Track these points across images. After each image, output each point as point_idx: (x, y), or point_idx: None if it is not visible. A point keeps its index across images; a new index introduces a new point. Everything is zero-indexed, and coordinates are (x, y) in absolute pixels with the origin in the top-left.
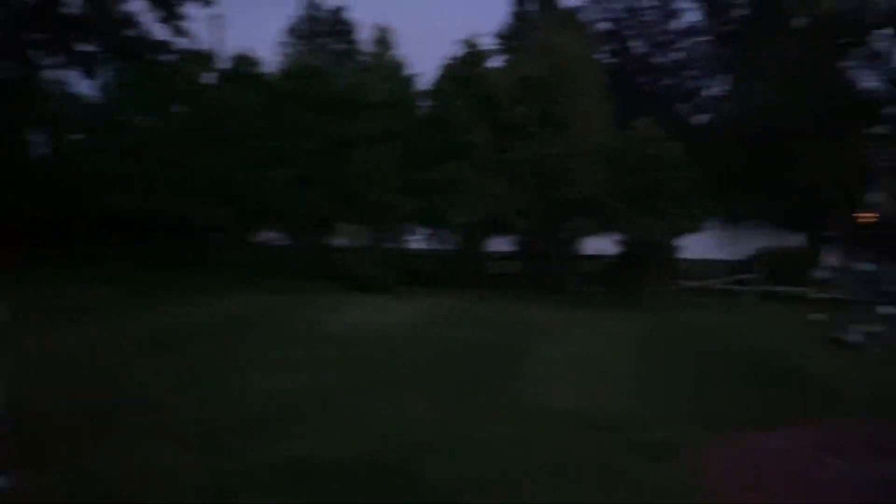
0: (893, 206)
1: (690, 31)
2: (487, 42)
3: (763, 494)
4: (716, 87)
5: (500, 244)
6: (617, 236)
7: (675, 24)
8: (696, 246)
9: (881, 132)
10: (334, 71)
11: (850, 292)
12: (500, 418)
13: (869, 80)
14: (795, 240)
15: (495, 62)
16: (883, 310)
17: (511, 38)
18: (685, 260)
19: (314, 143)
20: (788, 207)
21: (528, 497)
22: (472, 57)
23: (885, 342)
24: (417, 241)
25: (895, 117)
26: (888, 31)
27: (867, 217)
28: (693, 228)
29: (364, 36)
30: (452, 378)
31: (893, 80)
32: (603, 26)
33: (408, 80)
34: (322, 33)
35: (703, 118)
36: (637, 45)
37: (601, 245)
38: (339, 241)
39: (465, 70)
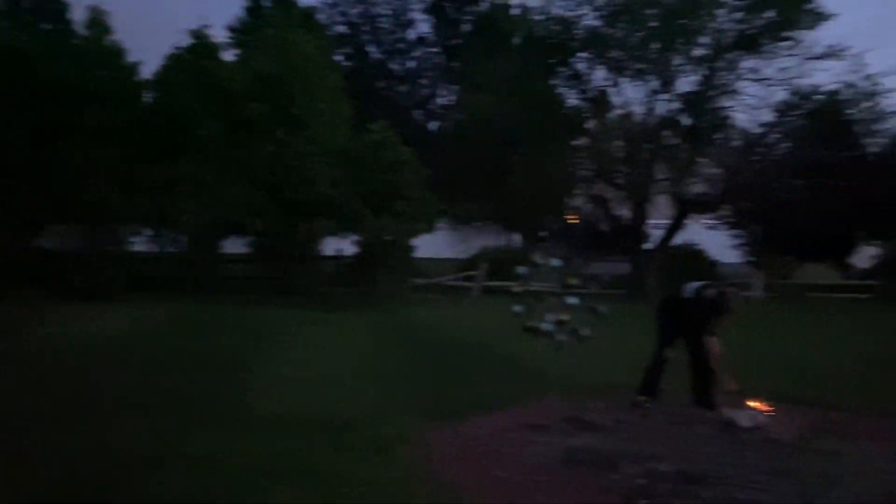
0: (592, 209)
1: (421, 41)
2: (218, 34)
3: (476, 473)
4: (445, 97)
5: (236, 246)
6: (355, 237)
7: (409, 34)
8: (429, 245)
9: (583, 144)
10: (43, 54)
11: (543, 285)
12: (216, 428)
13: (572, 98)
14: (515, 239)
15: (228, 56)
16: (569, 300)
17: (244, 32)
18: (419, 259)
19: (19, 135)
20: (509, 210)
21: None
22: (202, 48)
23: (571, 329)
24: (143, 243)
25: (593, 132)
26: (587, 54)
27: (572, 218)
28: (426, 229)
29: (78, 17)
30: (171, 389)
31: (591, 98)
32: (340, 29)
33: (129, 69)
34: (27, 11)
35: (435, 125)
36: (374, 51)
37: (340, 245)
38: (53, 244)
39: (194, 62)
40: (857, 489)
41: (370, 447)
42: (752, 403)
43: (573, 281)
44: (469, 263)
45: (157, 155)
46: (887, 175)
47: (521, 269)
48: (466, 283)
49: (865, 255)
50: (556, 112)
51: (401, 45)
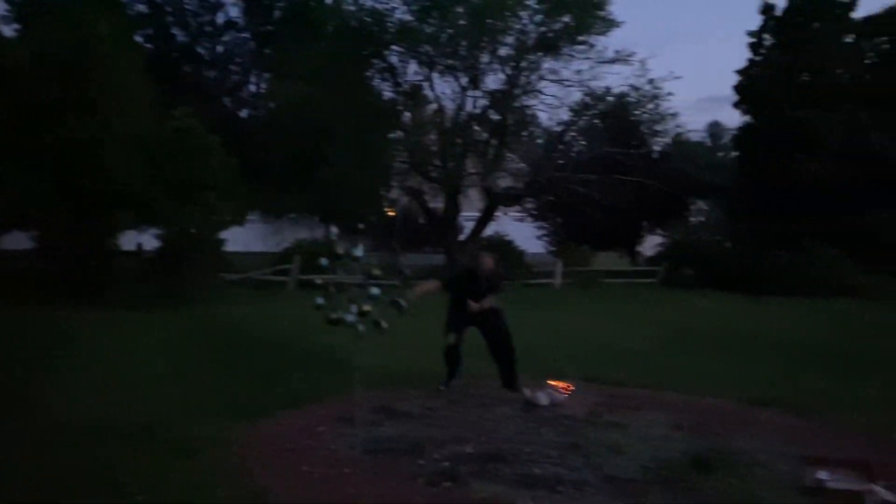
0: (409, 201)
1: (231, 25)
2: None
3: (284, 470)
4: (256, 84)
5: (18, 241)
6: (157, 230)
7: (218, 17)
8: (240, 239)
9: (398, 136)
10: None
11: (348, 277)
12: (7, 437)
13: (387, 90)
14: (332, 232)
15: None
16: (372, 291)
17: (27, 5)
18: (229, 253)
19: None
20: (324, 201)
21: None
22: None
23: (372, 320)
24: None
25: (407, 125)
26: (399, 48)
27: (389, 210)
28: (236, 221)
29: None
30: None
31: (405, 91)
32: (141, 9)
33: None
34: None
35: (246, 112)
36: (179, 34)
37: (141, 240)
38: None
39: None
40: (640, 455)
41: (175, 451)
42: (551, 383)
43: (377, 272)
44: (283, 257)
45: None
46: (668, 171)
47: (323, 261)
48: (280, 278)
49: (651, 244)
50: (370, 104)
51: (209, 29)
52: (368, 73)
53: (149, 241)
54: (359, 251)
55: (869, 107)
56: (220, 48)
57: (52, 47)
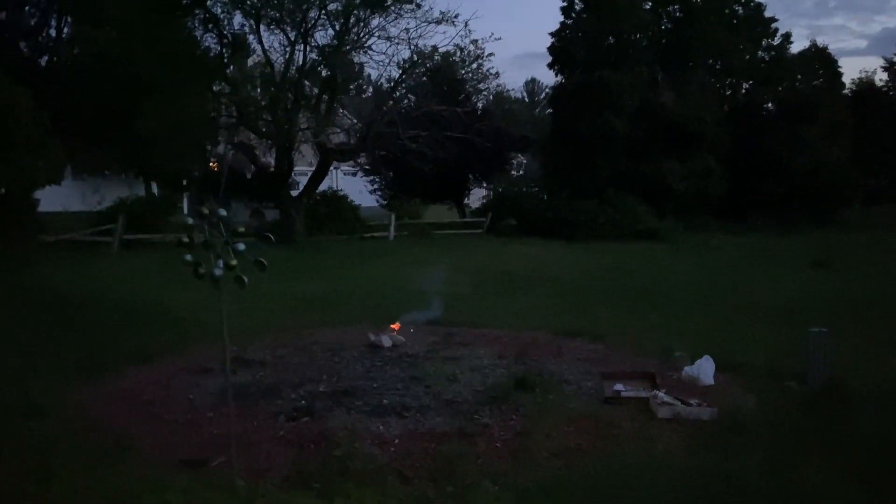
0: (236, 156)
1: None
2: None
3: (144, 419)
4: (57, 28)
5: None
6: None
7: None
8: (56, 198)
9: (225, 90)
10: None
11: (210, 234)
12: None
13: (210, 42)
14: (153, 189)
15: None
16: (238, 247)
17: None
18: (45, 213)
19: None
20: (142, 157)
21: None
22: None
23: (236, 275)
24: None
25: (233, 78)
26: None
27: (214, 166)
28: (51, 180)
29: None
30: None
31: (229, 44)
32: None
33: None
34: None
35: (46, 60)
36: None
37: None
38: None
39: None
40: (472, 382)
41: (20, 410)
42: (394, 326)
43: (241, 229)
44: (104, 216)
45: None
46: (490, 127)
47: (188, 219)
48: (103, 238)
49: (476, 196)
50: (190, 54)
51: None
52: (189, 23)
53: None
54: (222, 211)
55: (663, 68)
56: None
57: None
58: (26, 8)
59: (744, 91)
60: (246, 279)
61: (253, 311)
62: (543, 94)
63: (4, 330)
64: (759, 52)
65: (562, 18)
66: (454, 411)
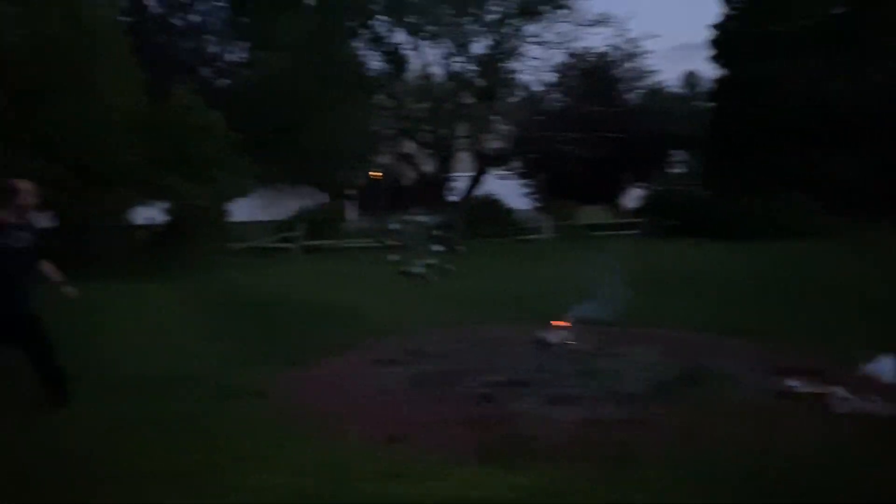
0: (396, 165)
1: None
2: None
3: (344, 402)
4: (234, 54)
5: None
6: (164, 204)
7: None
8: (242, 209)
9: (386, 104)
10: None
11: (411, 237)
12: (94, 391)
13: (373, 59)
14: (322, 198)
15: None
16: (434, 248)
17: None
18: (234, 223)
19: None
20: (311, 169)
21: (136, 450)
22: None
23: (438, 269)
24: None
25: (396, 92)
26: (386, 18)
27: (376, 175)
28: (240, 193)
29: None
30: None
31: (393, 60)
32: None
33: None
34: None
35: (225, 83)
36: (152, 4)
37: (149, 214)
38: None
39: None
40: (639, 376)
41: (243, 393)
42: (559, 324)
43: (437, 233)
44: (285, 225)
45: None
46: (646, 125)
47: (393, 225)
48: (285, 244)
49: (632, 197)
50: (354, 72)
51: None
52: (355, 43)
53: (158, 215)
54: (424, 218)
55: (836, 55)
56: (194, 17)
57: (47, 29)
58: (207, 37)
59: None
60: (451, 267)
61: (426, 309)
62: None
63: (218, 326)
64: None
65: (724, 10)
66: (624, 402)
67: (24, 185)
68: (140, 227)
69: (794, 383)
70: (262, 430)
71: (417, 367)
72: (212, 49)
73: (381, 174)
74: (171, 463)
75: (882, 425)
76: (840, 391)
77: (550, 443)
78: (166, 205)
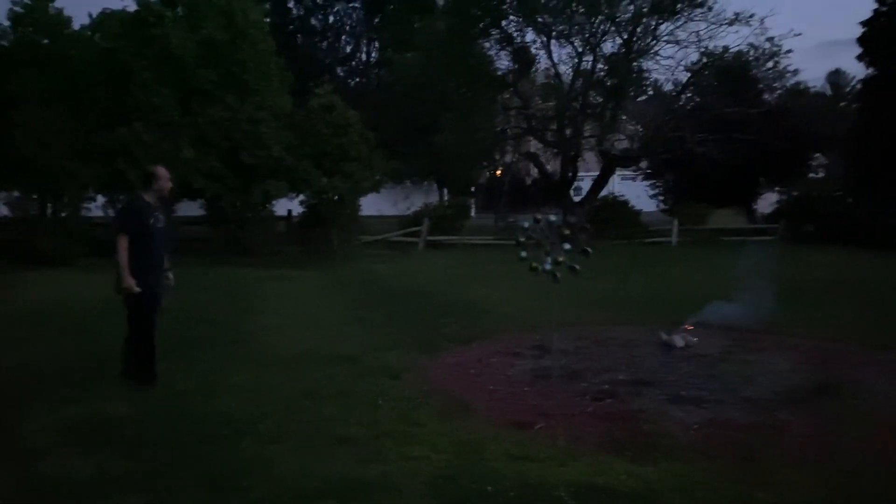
0: (519, 164)
1: None
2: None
3: (473, 387)
4: (366, 53)
5: (189, 209)
6: (305, 197)
7: None
8: (371, 203)
9: (515, 104)
10: None
11: (541, 235)
12: (250, 366)
13: (501, 59)
14: (445, 195)
15: (174, 21)
16: (565, 246)
17: None
18: (364, 217)
19: None
20: (439, 167)
21: (301, 418)
22: (147, 13)
23: (566, 267)
24: (99, 208)
25: (523, 92)
26: (518, 17)
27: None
28: (374, 188)
29: None
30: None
31: (522, 59)
32: None
33: (75, 36)
34: None
35: (361, 82)
36: (293, 6)
37: (290, 206)
38: (6, 210)
39: (141, 28)
40: (769, 383)
41: (381, 374)
42: (684, 327)
43: (566, 232)
44: (411, 220)
45: (110, 121)
46: (786, 126)
47: (525, 223)
48: (411, 239)
49: (768, 201)
50: (484, 72)
51: (320, 1)
52: (486, 43)
53: (297, 208)
54: (552, 217)
55: None
56: (331, 18)
57: (213, 36)
58: (343, 37)
59: None
60: (578, 267)
61: (551, 307)
62: (850, 87)
63: (357, 312)
64: None
65: (874, 6)
66: (752, 407)
67: (162, 171)
68: (281, 217)
69: None
70: (402, 409)
71: (542, 362)
72: (347, 49)
73: (503, 172)
74: (332, 432)
75: None
76: None
77: (673, 440)
78: (305, 198)
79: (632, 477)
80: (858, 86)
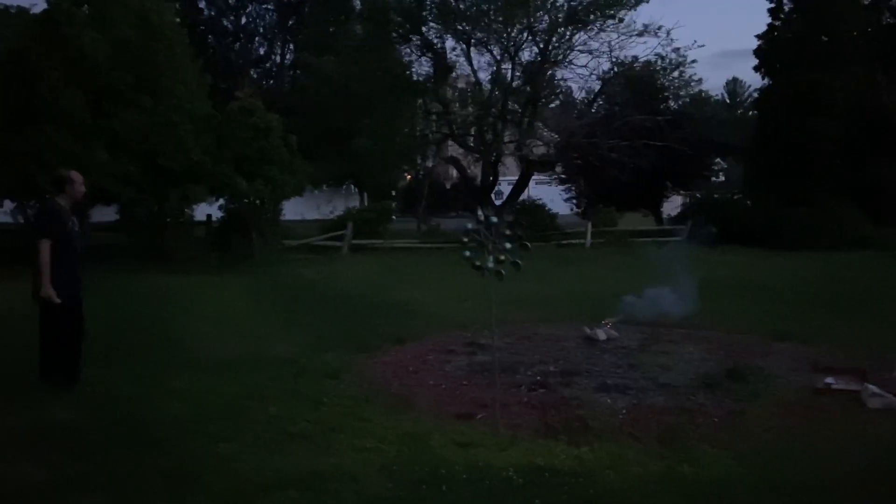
0: (439, 169)
1: None
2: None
3: (414, 384)
4: (283, 56)
5: (102, 214)
6: (223, 202)
7: None
8: (292, 208)
9: (436, 109)
10: None
11: (483, 237)
12: (187, 370)
13: (423, 65)
14: (365, 199)
15: (86, 21)
16: (507, 245)
17: None
18: (287, 221)
19: None
20: (355, 171)
21: (248, 417)
22: (57, 12)
23: (509, 264)
24: (4, 214)
25: (444, 98)
26: (438, 24)
27: (419, 178)
28: (296, 192)
29: None
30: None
31: (442, 66)
32: None
33: None
34: None
35: (282, 86)
36: (203, 6)
37: (209, 211)
38: None
39: (50, 27)
40: (685, 371)
41: (321, 374)
42: (606, 322)
43: (507, 232)
44: (333, 224)
45: (19, 123)
46: (690, 133)
47: (468, 225)
48: (335, 243)
49: (674, 204)
50: (404, 77)
51: (233, 1)
52: (406, 49)
53: (215, 211)
54: (494, 218)
55: (883, 66)
56: (244, 20)
57: (126, 37)
58: (256, 39)
59: None
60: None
61: (480, 307)
62: (746, 95)
63: (288, 316)
64: None
65: (768, 20)
66: (671, 393)
67: (76, 175)
68: (200, 223)
69: (831, 380)
70: (347, 406)
71: (476, 358)
72: (261, 51)
73: (424, 176)
74: (282, 430)
75: None
76: (874, 388)
77: (603, 423)
78: (224, 202)
79: (569, 458)
80: (755, 94)
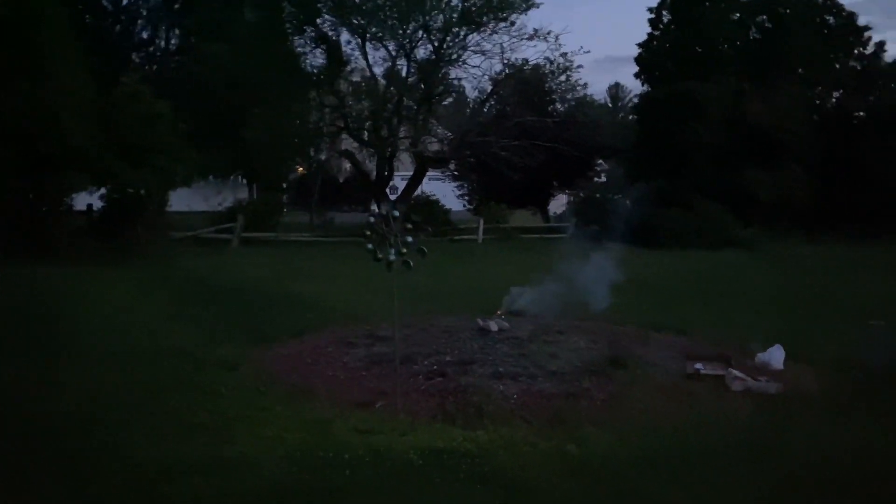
0: (331, 162)
1: None
2: None
3: (313, 375)
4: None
5: None
6: (107, 191)
7: None
8: (179, 199)
9: (330, 102)
10: None
11: (386, 230)
12: (84, 362)
13: (317, 57)
14: (256, 191)
15: None
16: (408, 239)
17: None
18: (174, 212)
19: None
20: (246, 162)
21: (146, 408)
22: None
23: (406, 261)
24: None
25: (338, 91)
26: (333, 17)
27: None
28: (184, 182)
29: None
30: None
31: (336, 59)
32: None
33: None
34: None
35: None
36: None
37: (90, 200)
38: None
39: None
40: (571, 359)
41: (218, 366)
42: (497, 313)
43: (409, 226)
44: (224, 216)
45: None
46: (575, 135)
47: (371, 217)
48: (224, 236)
49: (560, 203)
50: (297, 68)
51: None
52: (300, 40)
53: (98, 202)
54: (396, 212)
55: (751, 78)
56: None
57: None
58: (139, 21)
59: (834, 100)
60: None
61: (375, 300)
62: (627, 99)
63: (178, 308)
64: (851, 62)
65: (649, 29)
66: (558, 379)
67: None
68: (81, 212)
69: (699, 366)
70: (246, 397)
71: (375, 349)
72: (143, 35)
73: (302, 169)
74: (181, 420)
75: (766, 400)
76: (736, 373)
77: (497, 408)
78: (106, 191)
79: (466, 440)
80: (635, 100)
